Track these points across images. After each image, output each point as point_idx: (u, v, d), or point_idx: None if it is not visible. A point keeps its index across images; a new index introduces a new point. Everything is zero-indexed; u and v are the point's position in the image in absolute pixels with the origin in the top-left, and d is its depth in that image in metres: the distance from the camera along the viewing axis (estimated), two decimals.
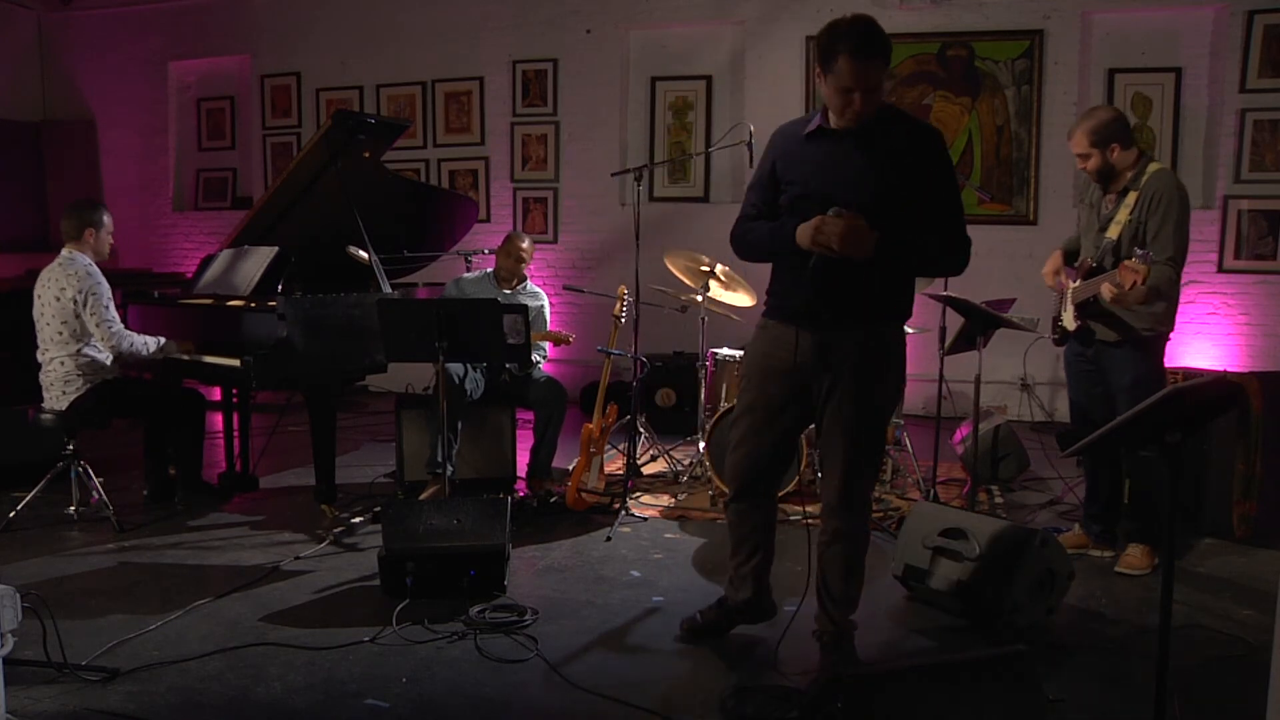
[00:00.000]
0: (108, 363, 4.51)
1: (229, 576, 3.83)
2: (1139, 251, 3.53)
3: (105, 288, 4.45)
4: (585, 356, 7.20)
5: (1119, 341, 3.83)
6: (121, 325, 4.48)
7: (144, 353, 4.49)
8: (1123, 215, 3.77)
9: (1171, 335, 3.95)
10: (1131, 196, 3.76)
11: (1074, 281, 3.95)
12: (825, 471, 3.02)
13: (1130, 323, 3.79)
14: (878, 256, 2.76)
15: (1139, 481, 3.97)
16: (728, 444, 3.23)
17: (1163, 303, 3.77)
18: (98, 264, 4.54)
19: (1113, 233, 3.80)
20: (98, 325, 4.40)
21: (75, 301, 4.37)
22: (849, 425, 2.91)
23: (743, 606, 3.23)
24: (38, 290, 4.48)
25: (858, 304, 2.87)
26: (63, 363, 4.44)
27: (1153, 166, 3.79)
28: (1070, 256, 4.09)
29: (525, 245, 5.09)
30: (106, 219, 4.58)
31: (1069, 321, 3.97)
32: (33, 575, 3.81)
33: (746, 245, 3.06)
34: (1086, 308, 3.85)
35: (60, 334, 4.41)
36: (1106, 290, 3.64)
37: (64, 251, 4.49)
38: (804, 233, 2.79)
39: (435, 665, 3.06)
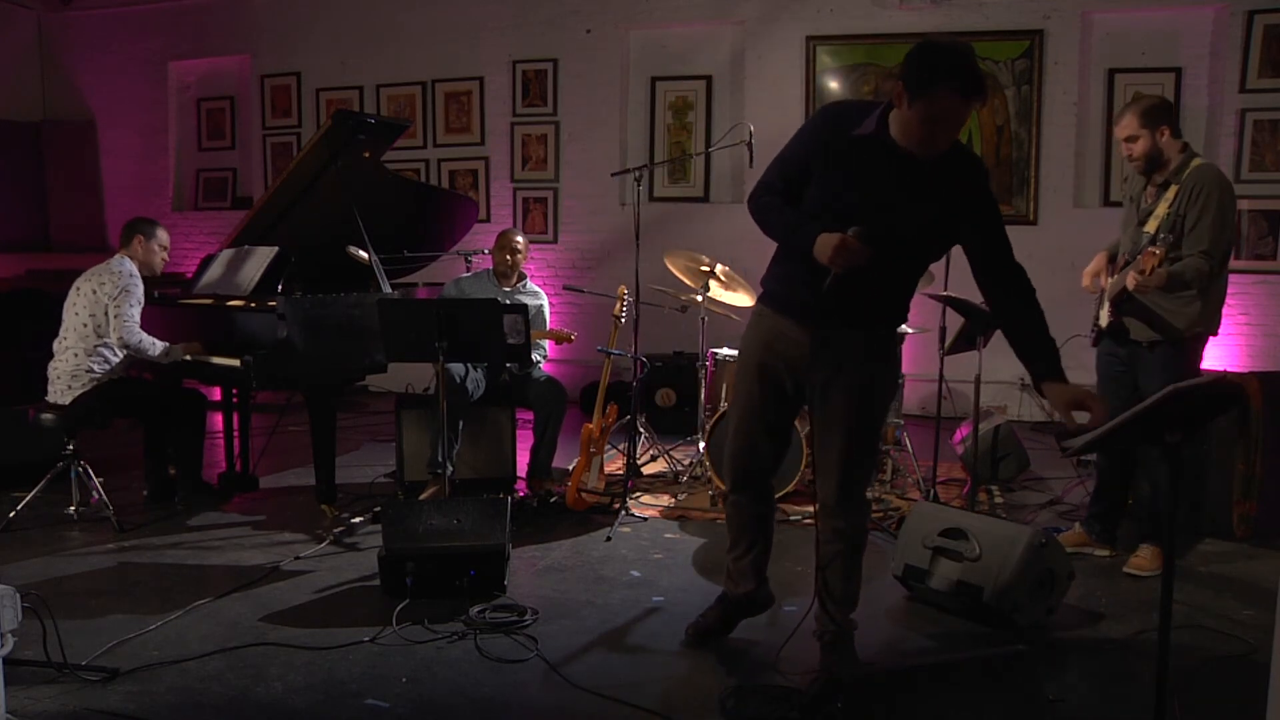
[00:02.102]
0: (115, 363, 4.53)
1: (229, 576, 3.82)
2: (1161, 236, 3.49)
3: (139, 292, 4.54)
4: (585, 356, 7.21)
5: (1154, 343, 3.73)
6: (136, 324, 4.51)
7: (150, 352, 4.50)
8: (1161, 209, 3.67)
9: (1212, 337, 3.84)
10: (1172, 190, 3.66)
11: (1111, 278, 3.88)
12: (822, 470, 2.99)
13: (1169, 320, 3.68)
14: (887, 287, 2.77)
15: (1152, 481, 3.93)
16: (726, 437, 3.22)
17: (1197, 299, 3.65)
18: (147, 275, 4.66)
19: (1150, 227, 3.70)
20: (115, 316, 4.44)
21: (110, 296, 4.45)
22: (846, 423, 2.89)
23: (744, 599, 3.22)
24: (78, 283, 4.59)
25: (864, 309, 2.84)
26: (76, 355, 4.48)
27: (1196, 161, 3.69)
28: (1115, 259, 3.99)
29: (519, 239, 5.10)
30: (160, 233, 4.73)
31: (1103, 318, 3.90)
32: (33, 575, 3.81)
33: (763, 221, 2.88)
34: (1122, 303, 3.77)
35: (85, 326, 4.48)
36: (1131, 279, 3.55)
37: (116, 256, 4.63)
38: (823, 249, 2.65)
39: (435, 665, 3.06)
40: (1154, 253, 3.43)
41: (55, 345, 4.58)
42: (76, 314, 4.52)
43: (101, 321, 4.48)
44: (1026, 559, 3.25)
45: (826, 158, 2.76)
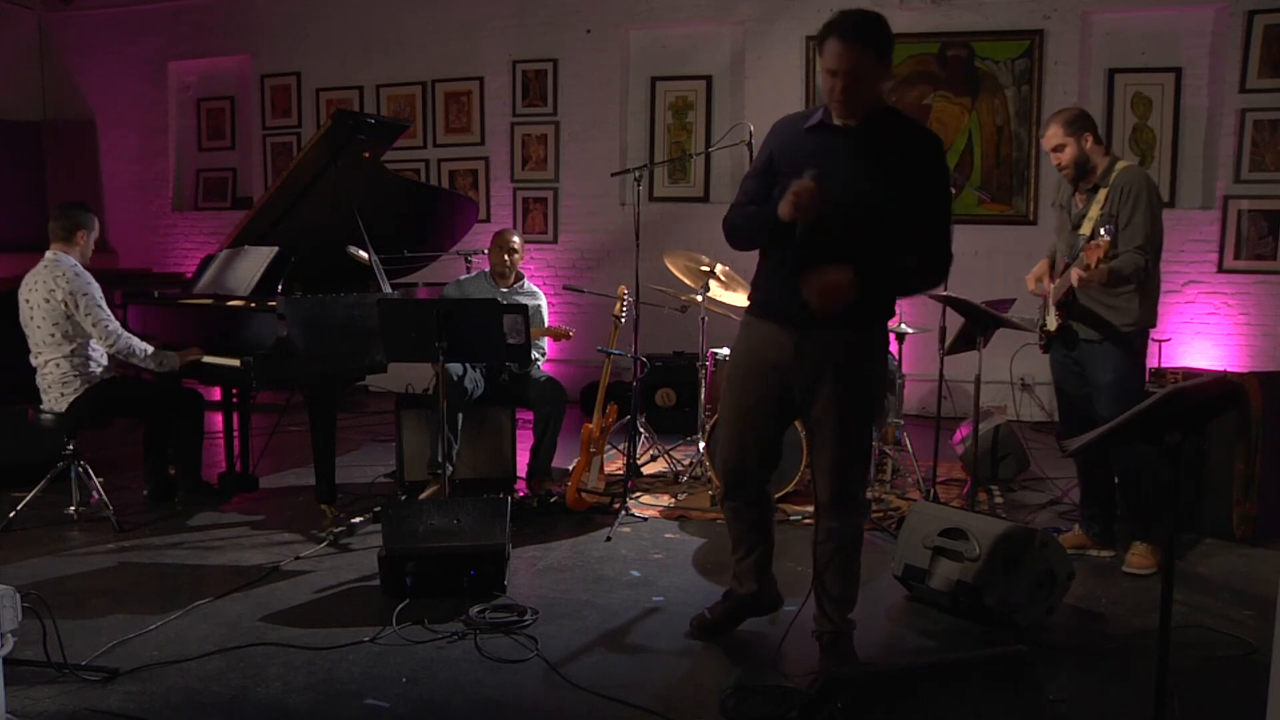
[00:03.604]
0: (105, 362, 4.51)
1: (229, 576, 3.82)
2: (1103, 229, 3.57)
3: (96, 287, 4.45)
4: (585, 356, 7.21)
5: (1100, 339, 3.86)
6: (118, 324, 4.48)
7: (139, 355, 4.47)
8: (1094, 211, 3.82)
9: (1162, 333, 3.97)
10: (1102, 193, 3.81)
11: (1053, 283, 3.99)
12: (817, 472, 3.02)
13: (1110, 319, 3.82)
14: (857, 273, 2.73)
15: (1130, 478, 3.99)
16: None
17: (1136, 295, 3.79)
18: (85, 266, 4.53)
19: (1085, 229, 3.84)
20: (94, 325, 4.39)
21: (66, 303, 4.36)
22: (836, 425, 2.91)
23: (748, 600, 3.25)
24: (24, 294, 4.46)
25: (863, 301, 2.83)
26: (58, 364, 4.43)
27: (1120, 164, 3.85)
28: (1055, 265, 4.11)
29: (515, 240, 5.11)
30: (95, 221, 4.62)
31: (1050, 322, 4.00)
32: (33, 575, 3.81)
33: (735, 229, 3.00)
34: (1068, 306, 3.89)
35: (53, 336, 4.40)
36: (1075, 274, 3.69)
37: (49, 254, 4.47)
38: (784, 206, 2.73)
39: (435, 665, 3.06)
40: (1098, 245, 3.55)
41: (33, 360, 4.50)
42: (39, 326, 4.41)
43: (68, 327, 4.38)
44: (1026, 559, 3.25)
45: (786, 157, 2.89)
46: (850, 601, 3.07)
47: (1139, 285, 3.78)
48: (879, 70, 2.74)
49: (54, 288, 4.37)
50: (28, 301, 4.45)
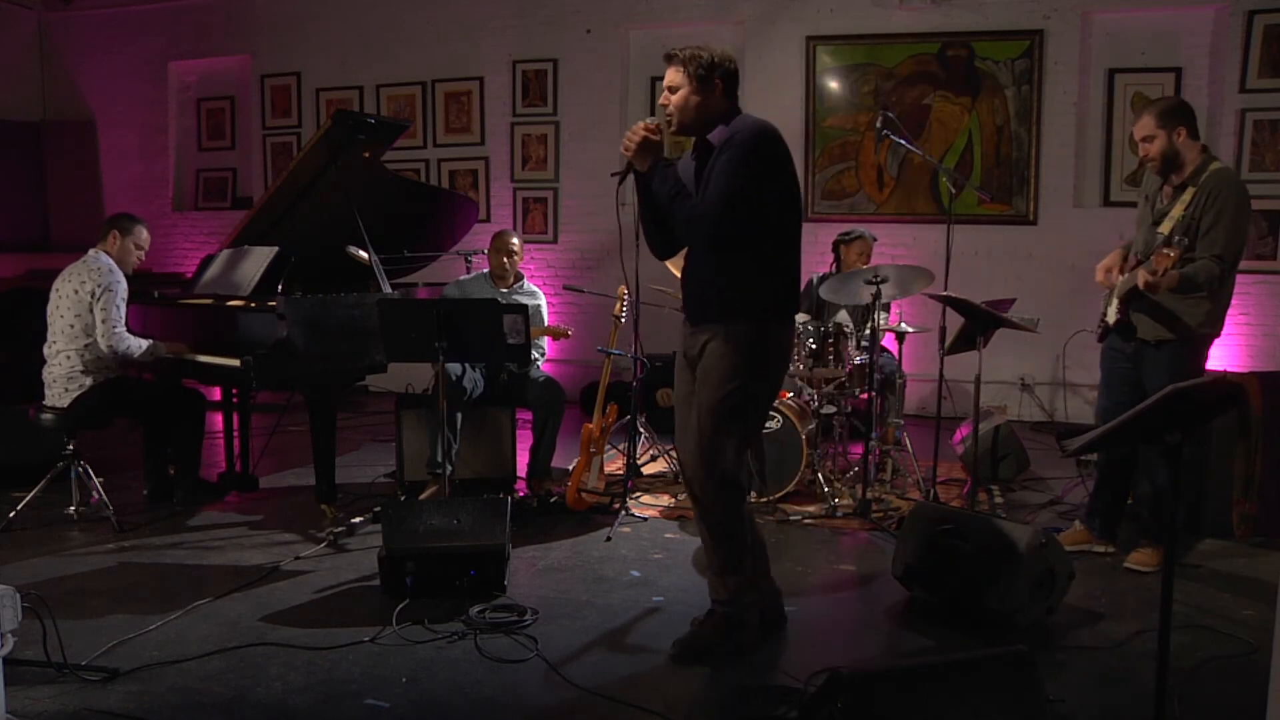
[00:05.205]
0: (109, 359, 4.52)
1: (229, 576, 3.82)
2: (1176, 239, 3.50)
3: (123, 288, 4.52)
4: (585, 356, 7.21)
5: (1161, 341, 3.75)
6: (123, 327, 4.50)
7: (135, 353, 4.49)
8: (1177, 211, 3.69)
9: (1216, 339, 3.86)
10: (1189, 193, 3.68)
11: (1123, 276, 3.88)
12: None
13: (1180, 315, 3.70)
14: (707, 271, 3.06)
15: (1152, 481, 3.93)
16: None
17: (1206, 301, 3.68)
18: (124, 271, 4.61)
19: (1165, 228, 3.71)
20: (103, 321, 4.42)
21: (93, 295, 4.43)
22: (696, 414, 3.12)
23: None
24: (57, 285, 4.55)
25: (707, 297, 3.10)
26: (69, 357, 4.46)
27: (1214, 164, 3.71)
28: (1129, 257, 3.99)
29: (514, 242, 5.11)
30: (139, 231, 4.69)
31: (1111, 314, 3.91)
32: (33, 575, 3.81)
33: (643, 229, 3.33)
34: (1132, 300, 3.79)
35: (72, 327, 4.46)
36: (1142, 277, 3.57)
37: (90, 251, 4.59)
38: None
39: (435, 665, 3.06)
40: (1167, 254, 3.44)
41: (45, 350, 4.55)
42: (61, 316, 4.49)
43: (89, 320, 4.45)
44: (1026, 559, 3.25)
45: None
46: (719, 583, 3.11)
47: (1210, 292, 3.66)
48: (696, 87, 3.02)
49: (85, 279, 4.46)
50: (58, 291, 4.54)
